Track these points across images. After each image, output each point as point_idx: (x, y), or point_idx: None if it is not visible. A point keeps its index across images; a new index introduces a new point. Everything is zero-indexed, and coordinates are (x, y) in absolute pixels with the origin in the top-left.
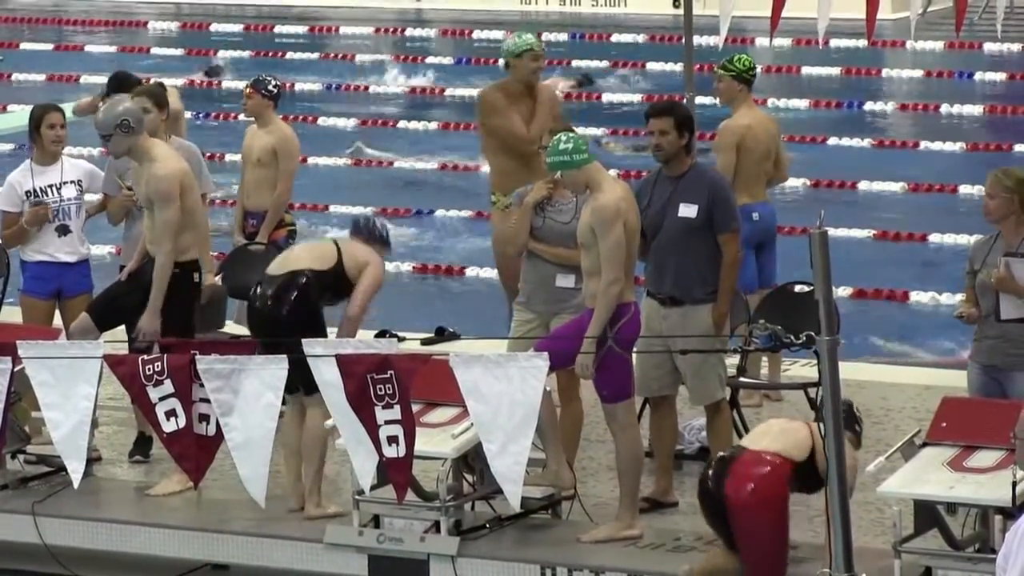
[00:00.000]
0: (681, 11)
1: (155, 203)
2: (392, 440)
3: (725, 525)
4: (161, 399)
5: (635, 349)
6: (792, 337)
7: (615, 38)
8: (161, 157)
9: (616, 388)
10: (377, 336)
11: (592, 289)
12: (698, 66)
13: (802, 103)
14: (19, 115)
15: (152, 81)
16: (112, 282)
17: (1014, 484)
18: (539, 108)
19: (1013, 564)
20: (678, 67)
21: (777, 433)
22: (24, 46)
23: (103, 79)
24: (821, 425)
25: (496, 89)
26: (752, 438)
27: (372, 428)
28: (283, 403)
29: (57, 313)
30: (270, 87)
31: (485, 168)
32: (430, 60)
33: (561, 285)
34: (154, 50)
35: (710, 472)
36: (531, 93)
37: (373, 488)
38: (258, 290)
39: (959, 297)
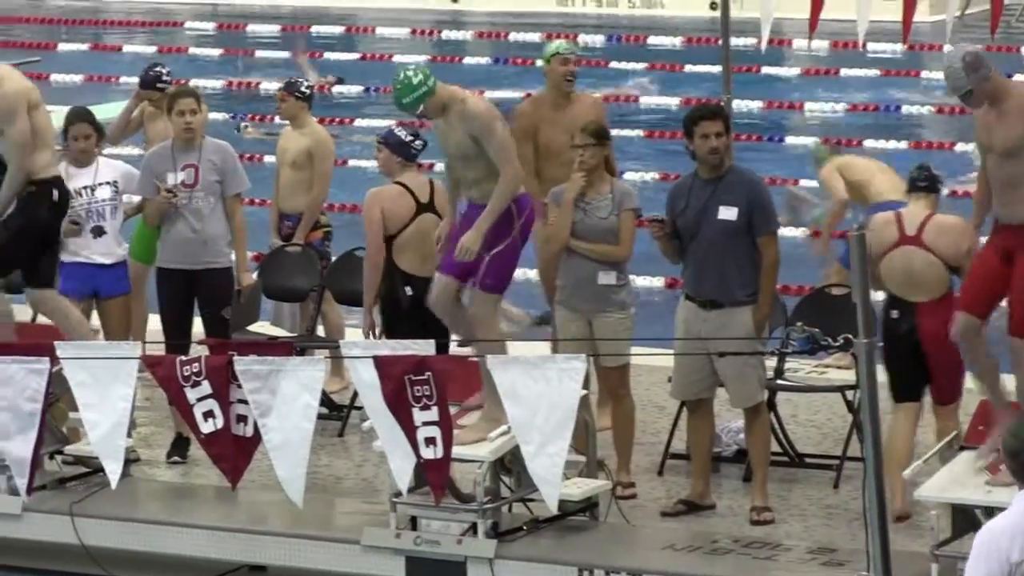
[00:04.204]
0: (718, 13)
1: (2, 123)
2: (430, 442)
3: (911, 364)
4: (199, 400)
5: (674, 351)
6: (830, 339)
7: (652, 40)
8: (4, 77)
9: (502, 278)
10: None
11: (483, 189)
12: (735, 68)
13: (839, 105)
14: (57, 116)
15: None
16: None
17: None
18: (578, 117)
19: None
20: (715, 69)
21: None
22: (62, 47)
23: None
24: None
25: (530, 103)
26: None
27: (410, 430)
28: None
29: (95, 315)
30: (302, 89)
31: None
32: (467, 61)
33: (603, 283)
34: (191, 50)
35: (895, 318)
36: (568, 100)
37: (410, 490)
38: None
39: None
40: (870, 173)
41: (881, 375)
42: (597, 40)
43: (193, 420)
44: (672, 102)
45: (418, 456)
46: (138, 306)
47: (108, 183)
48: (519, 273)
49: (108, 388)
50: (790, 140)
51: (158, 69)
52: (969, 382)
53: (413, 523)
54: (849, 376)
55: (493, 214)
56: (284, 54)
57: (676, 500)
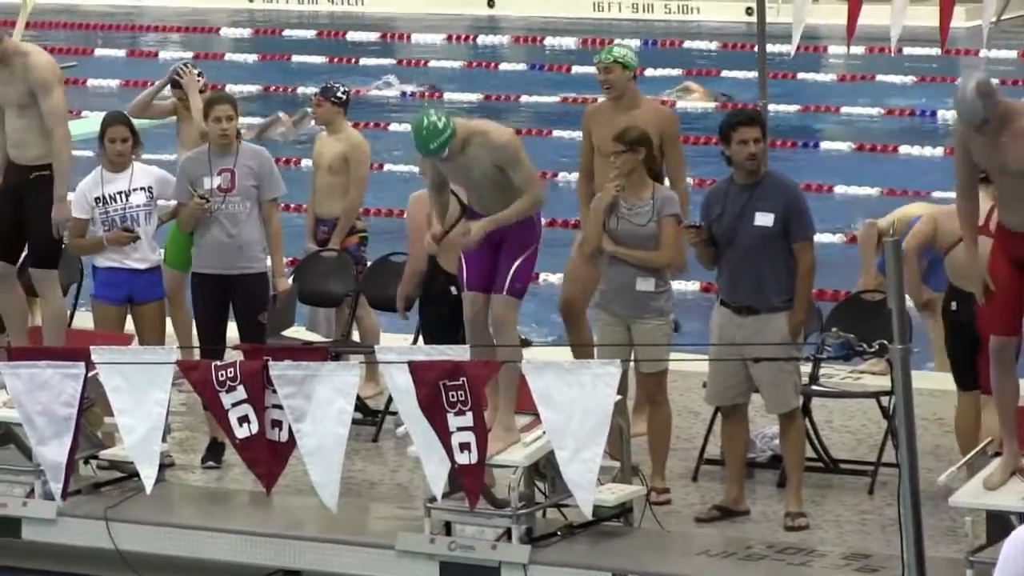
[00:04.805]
0: (754, 19)
1: (38, 92)
2: (464, 447)
3: (972, 354)
4: (234, 405)
5: (709, 357)
6: (865, 345)
7: (687, 45)
8: (34, 51)
9: (526, 282)
10: None
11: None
12: (771, 74)
13: (874, 111)
14: (93, 121)
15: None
16: None
17: None
18: (634, 123)
19: None
20: (751, 74)
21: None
22: (98, 52)
23: None
24: None
25: (594, 105)
26: None
27: (444, 435)
28: None
29: (129, 319)
30: (338, 94)
31: (570, 176)
32: (503, 67)
33: (641, 289)
34: (228, 56)
35: (954, 310)
36: (628, 105)
37: (445, 495)
38: None
39: None
40: (902, 211)
41: (916, 381)
42: (632, 45)
43: (228, 425)
44: (708, 107)
45: (452, 461)
46: (179, 312)
47: (142, 189)
48: (555, 279)
49: (143, 393)
50: (825, 146)
51: (174, 67)
52: None
53: (447, 528)
54: (884, 382)
55: (508, 219)
56: (321, 59)
57: (710, 506)
